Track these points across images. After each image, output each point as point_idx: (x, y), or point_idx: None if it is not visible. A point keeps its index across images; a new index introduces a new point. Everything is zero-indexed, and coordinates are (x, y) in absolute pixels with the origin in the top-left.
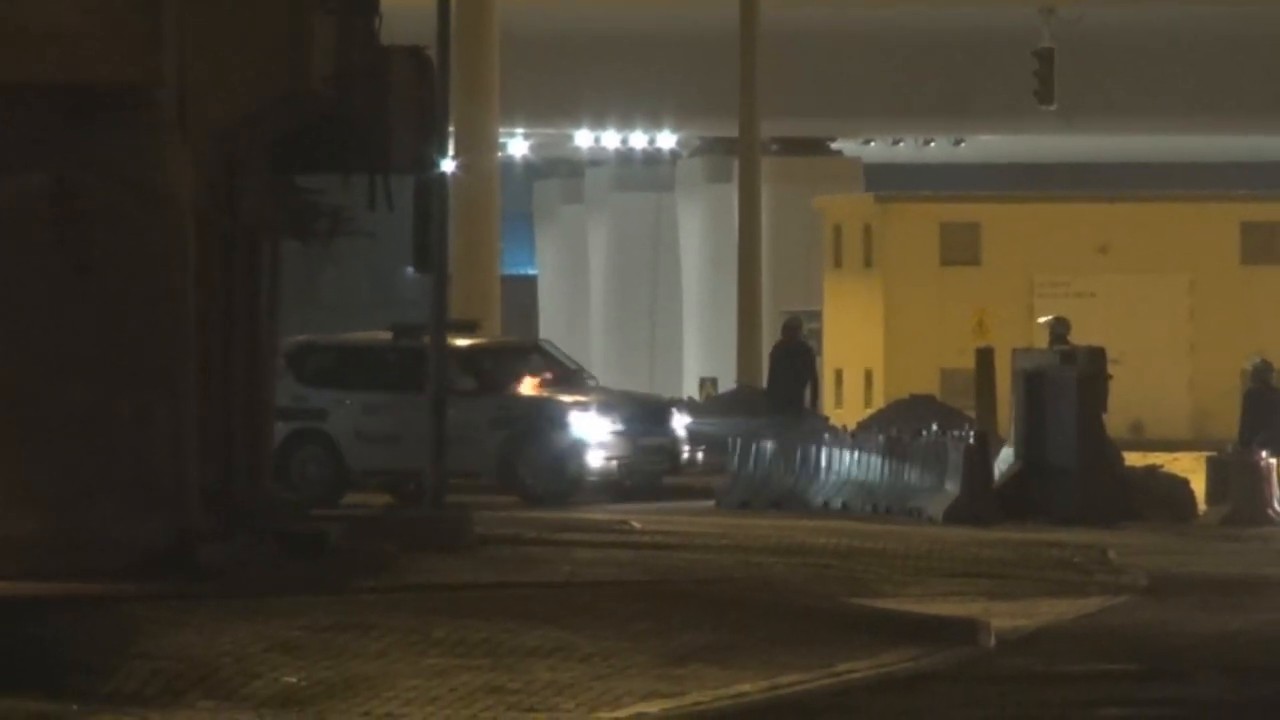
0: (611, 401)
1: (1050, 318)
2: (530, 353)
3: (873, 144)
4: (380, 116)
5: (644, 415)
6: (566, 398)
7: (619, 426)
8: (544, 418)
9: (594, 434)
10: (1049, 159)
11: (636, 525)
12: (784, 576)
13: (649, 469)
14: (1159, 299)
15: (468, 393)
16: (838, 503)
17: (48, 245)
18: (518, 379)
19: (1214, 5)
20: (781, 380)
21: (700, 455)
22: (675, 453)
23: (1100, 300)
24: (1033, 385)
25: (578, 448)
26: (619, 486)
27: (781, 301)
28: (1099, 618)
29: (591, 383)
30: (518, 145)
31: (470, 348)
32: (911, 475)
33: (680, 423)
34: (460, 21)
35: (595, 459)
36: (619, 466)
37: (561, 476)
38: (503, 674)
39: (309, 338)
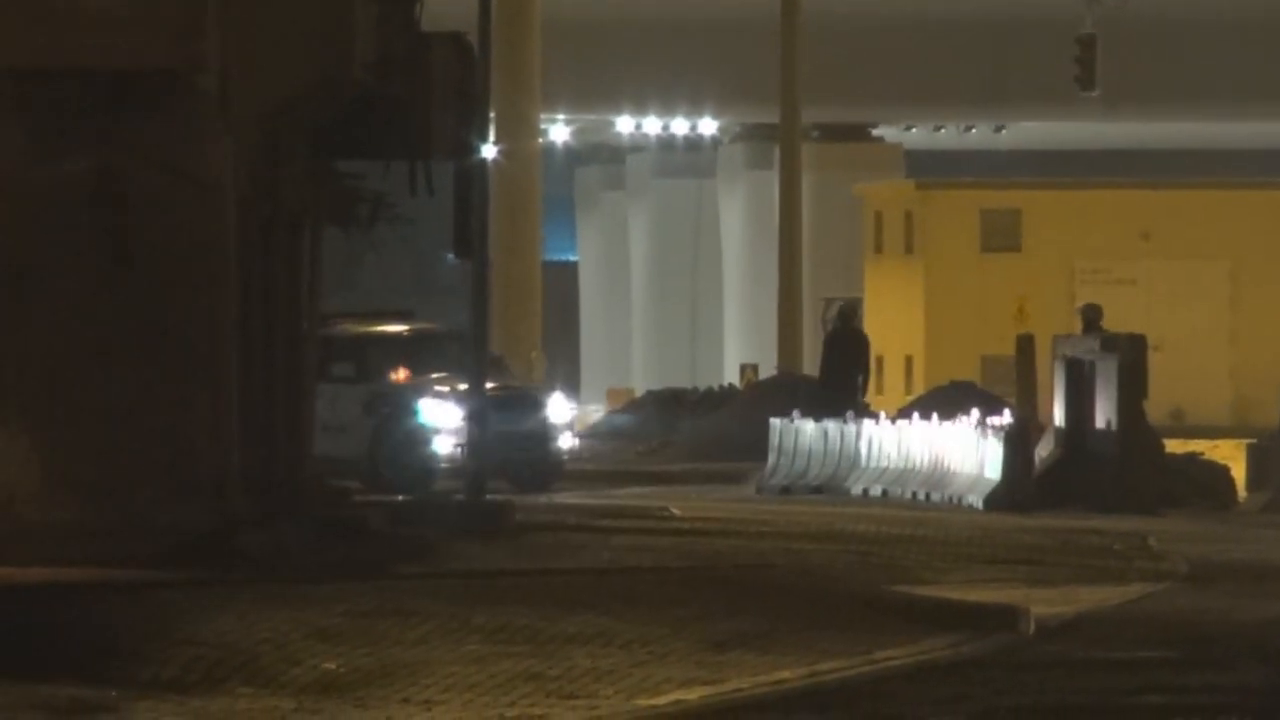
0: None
1: (1082, 304)
2: (445, 340)
3: (914, 130)
4: (421, 102)
5: (508, 403)
6: (441, 386)
7: None
8: (397, 404)
9: (444, 421)
10: (1090, 145)
11: (676, 511)
12: (824, 563)
13: (509, 457)
14: (1200, 286)
15: (347, 380)
16: (878, 490)
17: (89, 231)
18: (394, 367)
19: None
20: (836, 367)
21: (577, 442)
22: (543, 440)
23: (1141, 287)
24: (1074, 372)
25: (425, 433)
26: (506, 474)
27: (822, 288)
28: (1139, 605)
29: (503, 374)
30: (559, 131)
31: (358, 335)
32: (952, 462)
33: (563, 413)
34: (502, 7)
35: (445, 445)
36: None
37: (411, 462)
38: (542, 661)
39: None
